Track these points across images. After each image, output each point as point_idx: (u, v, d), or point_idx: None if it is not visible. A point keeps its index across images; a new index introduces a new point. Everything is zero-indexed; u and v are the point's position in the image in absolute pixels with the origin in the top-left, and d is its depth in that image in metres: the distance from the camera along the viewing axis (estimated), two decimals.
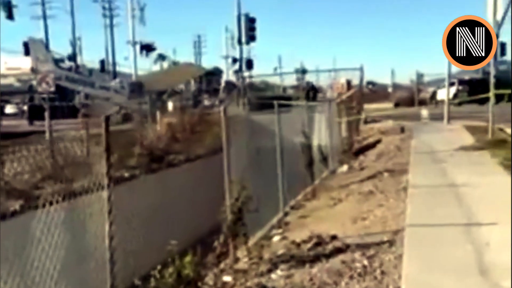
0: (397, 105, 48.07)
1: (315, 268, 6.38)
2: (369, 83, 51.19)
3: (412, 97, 47.54)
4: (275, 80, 72.68)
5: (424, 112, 28.26)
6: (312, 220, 9.88)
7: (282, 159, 11.01)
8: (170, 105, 30.24)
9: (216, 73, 71.59)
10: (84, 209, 5.18)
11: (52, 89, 22.01)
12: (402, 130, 22.61)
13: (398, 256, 6.45)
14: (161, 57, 74.51)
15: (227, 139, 7.84)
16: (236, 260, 7.29)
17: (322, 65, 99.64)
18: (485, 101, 23.41)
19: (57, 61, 45.00)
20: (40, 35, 56.50)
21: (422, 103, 43.80)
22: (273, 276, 6.45)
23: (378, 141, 21.05)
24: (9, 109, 51.97)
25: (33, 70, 30.28)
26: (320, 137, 15.70)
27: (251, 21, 34.93)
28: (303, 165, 12.82)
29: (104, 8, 68.26)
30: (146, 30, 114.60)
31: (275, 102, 10.96)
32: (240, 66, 38.07)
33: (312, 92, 44.00)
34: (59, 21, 79.71)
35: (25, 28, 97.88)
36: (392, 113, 32.53)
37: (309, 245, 7.33)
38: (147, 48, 55.37)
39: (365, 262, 6.39)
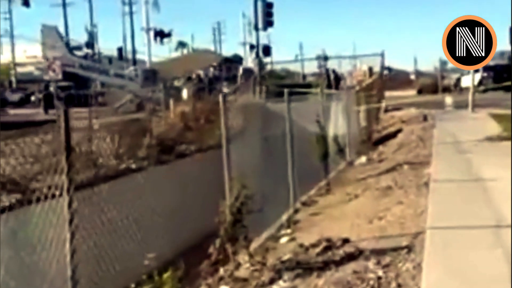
0: (420, 92, 47.26)
1: (322, 279, 5.65)
2: (385, 68, 50.11)
3: (435, 84, 46.83)
4: (297, 67, 71.82)
5: (448, 99, 27.45)
6: (324, 218, 9.26)
7: (292, 151, 10.34)
8: (184, 93, 29.66)
9: (235, 60, 71.13)
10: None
11: (60, 76, 21.48)
12: (425, 118, 21.94)
13: (417, 265, 5.72)
14: (181, 44, 74.52)
15: (227, 132, 7.13)
16: (237, 266, 6.57)
17: (343, 53, 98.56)
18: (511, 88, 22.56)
19: (73, 49, 44.72)
20: (60, 22, 56.52)
21: (446, 90, 42.97)
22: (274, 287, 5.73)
23: (399, 131, 20.41)
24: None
25: (46, 58, 29.97)
26: (337, 127, 15.14)
27: (268, 6, 34.14)
28: (317, 157, 12.10)
29: None
30: (164, 18, 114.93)
31: (285, 90, 10.32)
32: (257, 53, 37.28)
33: (334, 80, 42.70)
34: (78, 8, 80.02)
35: (47, 15, 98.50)
36: (414, 101, 31.78)
37: (318, 249, 6.60)
38: (161, 34, 54.87)
39: (380, 272, 5.64)
